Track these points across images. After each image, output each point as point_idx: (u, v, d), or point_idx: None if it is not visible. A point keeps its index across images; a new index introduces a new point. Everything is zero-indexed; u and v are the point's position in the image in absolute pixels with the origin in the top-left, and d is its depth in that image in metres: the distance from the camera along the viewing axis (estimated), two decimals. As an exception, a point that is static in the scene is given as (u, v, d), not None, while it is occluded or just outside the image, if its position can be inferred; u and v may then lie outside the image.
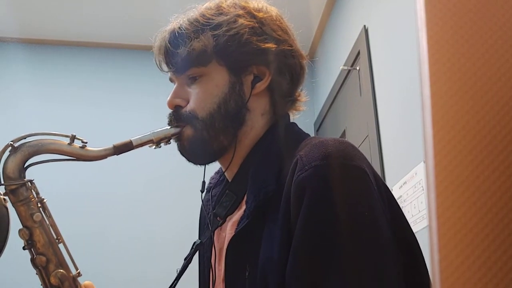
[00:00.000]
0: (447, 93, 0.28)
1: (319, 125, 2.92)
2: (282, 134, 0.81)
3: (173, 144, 0.84)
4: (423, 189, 1.55)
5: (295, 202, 0.66)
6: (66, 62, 3.07)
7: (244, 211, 0.75)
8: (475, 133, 0.28)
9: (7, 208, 1.05)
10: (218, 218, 0.82)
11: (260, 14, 0.83)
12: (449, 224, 0.26)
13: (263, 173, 0.76)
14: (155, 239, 2.73)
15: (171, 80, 0.88)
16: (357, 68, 2.27)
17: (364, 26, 2.22)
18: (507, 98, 0.29)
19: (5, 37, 2.97)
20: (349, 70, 2.37)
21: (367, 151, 2.04)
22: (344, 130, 2.44)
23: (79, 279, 0.77)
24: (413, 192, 1.61)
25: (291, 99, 0.87)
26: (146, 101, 3.05)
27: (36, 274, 0.74)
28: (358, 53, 2.26)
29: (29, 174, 0.77)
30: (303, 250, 0.64)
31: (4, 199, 1.04)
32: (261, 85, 0.82)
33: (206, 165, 0.87)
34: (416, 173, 1.60)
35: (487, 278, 0.25)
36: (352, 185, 0.67)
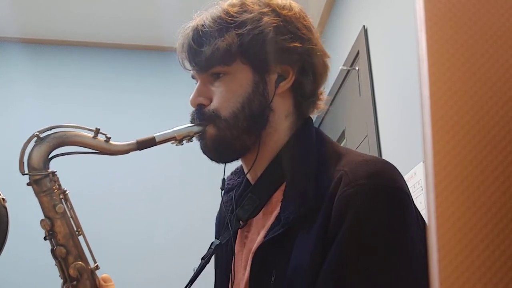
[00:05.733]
0: (446, 93, 0.29)
1: (318, 125, 2.92)
2: (314, 143, 0.80)
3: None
4: (422, 189, 1.55)
5: (337, 217, 0.66)
6: (66, 62, 3.07)
7: (277, 218, 0.75)
8: (474, 133, 0.28)
9: (6, 208, 1.05)
10: (241, 222, 0.81)
11: (285, 12, 0.81)
12: (448, 224, 0.26)
13: (303, 184, 0.74)
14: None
15: (193, 77, 0.87)
16: (357, 68, 2.27)
17: (364, 26, 2.22)
18: (507, 98, 0.29)
19: (5, 37, 2.97)
20: (349, 70, 2.37)
21: (366, 151, 2.05)
22: (343, 130, 2.44)
23: (96, 272, 0.77)
24: (412, 192, 1.61)
25: (313, 99, 0.86)
26: (146, 101, 3.05)
27: (55, 265, 0.75)
28: (358, 53, 2.26)
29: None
30: (340, 265, 0.65)
31: (3, 199, 1.04)
32: (285, 85, 0.81)
33: (228, 164, 0.87)
34: (415, 173, 1.60)
35: (486, 278, 0.25)
36: (395, 207, 0.67)
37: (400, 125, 1.79)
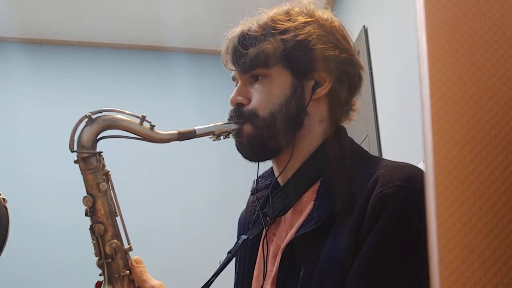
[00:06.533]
0: (446, 93, 0.29)
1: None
2: (348, 147, 0.84)
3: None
4: (422, 189, 1.55)
5: (372, 215, 0.69)
6: (66, 62, 3.07)
7: (309, 215, 0.77)
8: (474, 133, 0.28)
9: (6, 208, 1.05)
10: (267, 218, 0.85)
11: (326, 23, 0.86)
12: (448, 224, 0.26)
13: (338, 184, 0.78)
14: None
15: (233, 79, 0.91)
16: (357, 68, 2.27)
17: (364, 26, 2.22)
18: (506, 98, 0.29)
19: (5, 37, 2.97)
20: (349, 70, 2.37)
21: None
22: (344, 130, 2.44)
23: (129, 253, 0.80)
24: (413, 192, 1.61)
25: (347, 108, 0.90)
26: (146, 101, 3.05)
27: (92, 241, 0.78)
28: (358, 53, 2.26)
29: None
30: (373, 259, 0.67)
31: (4, 199, 1.04)
32: (321, 91, 0.85)
33: (261, 163, 0.91)
34: (415, 173, 1.60)
35: (486, 278, 0.25)
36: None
37: (400, 125, 1.79)
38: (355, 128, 2.27)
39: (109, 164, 0.81)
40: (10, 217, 1.04)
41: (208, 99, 2.99)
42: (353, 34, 2.32)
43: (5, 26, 2.90)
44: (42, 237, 2.67)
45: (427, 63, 0.29)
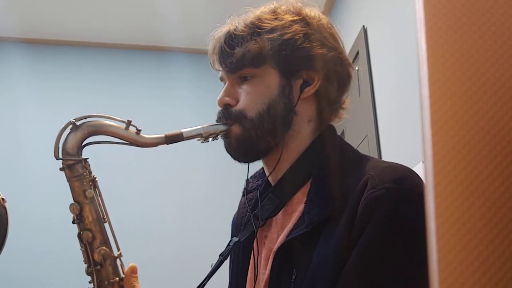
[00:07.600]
0: (445, 94, 0.29)
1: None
2: (338, 147, 0.83)
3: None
4: (422, 189, 1.55)
5: (363, 217, 0.68)
6: (66, 62, 3.07)
7: (300, 218, 0.77)
8: (474, 133, 0.28)
9: (5, 209, 1.05)
10: (260, 220, 0.84)
11: (314, 21, 0.86)
12: (448, 224, 0.26)
13: (328, 186, 0.77)
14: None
15: (221, 79, 0.90)
16: (356, 68, 2.27)
17: (363, 26, 2.22)
18: (506, 98, 0.29)
19: (5, 37, 2.97)
20: (348, 70, 2.37)
21: (366, 151, 2.05)
22: (343, 130, 2.44)
23: (121, 259, 0.80)
24: (412, 192, 1.60)
25: (336, 107, 0.89)
26: (146, 101, 3.05)
27: (81, 249, 0.77)
28: (357, 53, 2.26)
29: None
30: (364, 262, 0.67)
31: (3, 199, 1.04)
32: (309, 90, 0.84)
33: (251, 164, 0.90)
34: (415, 173, 1.60)
35: (485, 278, 0.25)
36: (418, 211, 0.69)
37: (400, 125, 1.79)
38: (355, 128, 2.27)
39: (98, 168, 0.81)
40: (10, 217, 1.04)
41: (208, 99, 2.98)
42: (353, 34, 2.33)
43: (5, 26, 2.89)
44: (43, 236, 2.67)
45: (426, 63, 0.29)
